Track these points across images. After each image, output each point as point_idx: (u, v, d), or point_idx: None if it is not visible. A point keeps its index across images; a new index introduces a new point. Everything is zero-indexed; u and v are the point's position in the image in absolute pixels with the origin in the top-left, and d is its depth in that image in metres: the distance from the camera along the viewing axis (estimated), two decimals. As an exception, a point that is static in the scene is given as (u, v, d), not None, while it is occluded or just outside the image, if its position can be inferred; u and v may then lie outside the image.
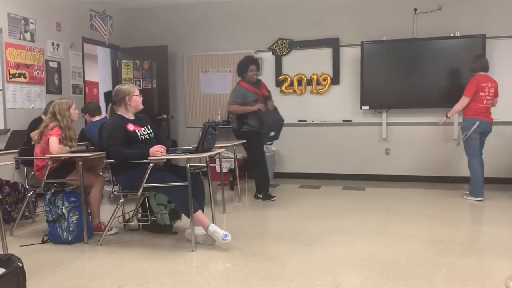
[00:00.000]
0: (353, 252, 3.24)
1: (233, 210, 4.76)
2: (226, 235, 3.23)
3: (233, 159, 5.47)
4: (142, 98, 3.67)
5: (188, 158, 3.38)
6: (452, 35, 5.86)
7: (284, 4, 6.58)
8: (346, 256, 3.17)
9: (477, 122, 4.87)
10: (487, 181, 5.18)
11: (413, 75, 6.05)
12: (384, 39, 6.12)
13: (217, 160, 5.04)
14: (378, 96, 6.22)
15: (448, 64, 5.85)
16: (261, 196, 5.20)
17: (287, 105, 6.68)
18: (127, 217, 3.94)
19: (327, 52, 6.52)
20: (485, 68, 5.00)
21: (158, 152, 3.32)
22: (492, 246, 3.42)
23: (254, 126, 4.98)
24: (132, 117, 3.61)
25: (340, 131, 6.55)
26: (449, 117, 5.14)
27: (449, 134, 6.04)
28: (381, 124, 6.34)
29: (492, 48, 5.74)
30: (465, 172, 5.37)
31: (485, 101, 4.91)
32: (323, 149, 6.61)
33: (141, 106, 3.64)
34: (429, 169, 6.19)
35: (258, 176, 5.28)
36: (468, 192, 5.10)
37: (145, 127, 3.62)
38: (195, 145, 3.69)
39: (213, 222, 3.47)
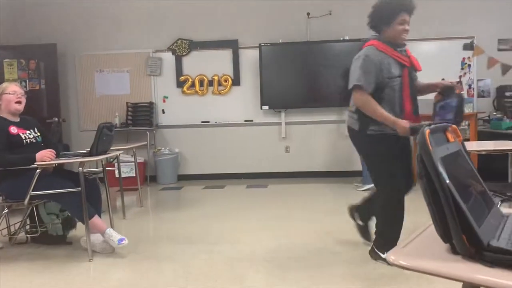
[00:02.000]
0: (257, 248, 3.30)
1: (134, 216, 4.56)
2: (122, 239, 3.08)
3: (133, 163, 5.25)
4: (20, 97, 3.29)
5: (81, 162, 3.15)
6: (341, 38, 6.27)
7: (184, 4, 6.50)
8: (250, 252, 3.21)
9: None
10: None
11: (308, 76, 6.35)
12: (280, 41, 6.34)
13: (116, 164, 4.79)
14: (277, 96, 6.42)
15: (338, 66, 6.21)
16: (383, 256, 2.73)
17: (189, 106, 6.64)
18: (13, 229, 3.57)
19: (227, 53, 6.57)
20: None
21: (46, 156, 3.05)
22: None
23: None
24: (16, 119, 3.28)
25: (242, 131, 6.65)
26: None
27: (342, 131, 6.44)
28: (280, 123, 6.56)
29: (377, 52, 6.24)
30: (358, 166, 5.81)
31: None
32: (227, 149, 6.65)
33: (16, 107, 3.26)
34: (326, 165, 6.56)
35: (386, 216, 2.82)
36: (360, 184, 5.53)
37: (31, 130, 3.31)
38: (90, 148, 3.46)
39: (112, 228, 3.28)
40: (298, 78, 6.38)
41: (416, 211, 2.61)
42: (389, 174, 2.71)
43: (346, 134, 5.96)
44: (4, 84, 3.29)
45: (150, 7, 6.55)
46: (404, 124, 2.50)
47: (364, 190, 5.45)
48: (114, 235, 3.10)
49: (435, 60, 6.13)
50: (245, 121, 6.63)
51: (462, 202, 0.80)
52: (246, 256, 3.12)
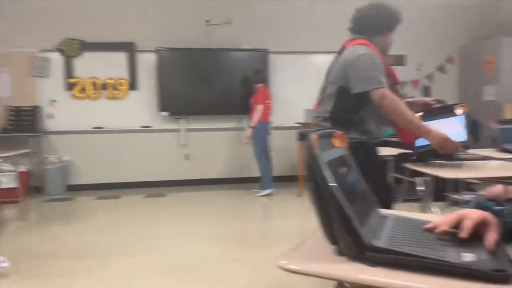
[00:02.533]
0: (154, 259, 3.17)
1: (14, 231, 4.11)
2: (1, 262, 2.75)
3: (15, 173, 4.75)
4: None
5: None
6: (240, 47, 6.38)
7: (75, 2, 6.07)
8: (146, 264, 3.07)
9: (269, 125, 5.66)
10: (274, 179, 5.80)
11: (208, 83, 6.34)
12: (179, 47, 6.24)
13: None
14: (176, 102, 6.30)
15: (238, 74, 6.33)
16: None
17: (80, 111, 6.21)
18: None
19: (123, 56, 6.29)
20: (265, 80, 5.88)
21: None
22: (281, 236, 3.81)
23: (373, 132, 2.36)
24: None
25: (139, 137, 6.39)
26: (253, 126, 5.56)
27: (241, 138, 6.52)
28: (179, 130, 6.45)
29: (274, 62, 6.47)
30: (257, 172, 5.93)
31: (270, 107, 5.62)
32: (123, 157, 6.34)
33: None
34: (226, 172, 6.58)
35: None
36: (258, 190, 5.65)
37: None
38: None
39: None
40: (198, 85, 6.33)
41: (306, 214, 2.70)
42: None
43: (245, 140, 6.12)
44: None
45: (36, 2, 6.01)
46: (440, 136, 2.09)
47: (262, 195, 5.57)
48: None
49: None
50: (142, 127, 6.39)
51: (346, 204, 0.83)
52: (141, 269, 2.98)
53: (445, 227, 0.90)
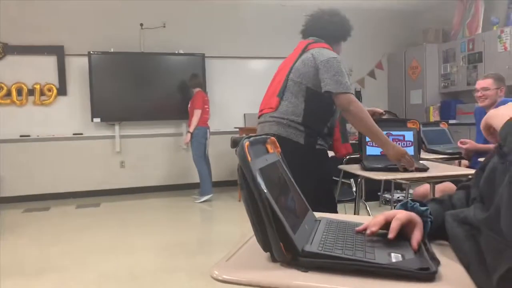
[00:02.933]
0: (86, 273, 3.01)
1: None
2: None
3: None
4: None
5: None
6: (176, 52, 6.28)
7: (-6, 1, 5.68)
8: (78, 278, 2.91)
9: (208, 130, 5.58)
10: (213, 184, 5.76)
11: (143, 88, 6.16)
12: (112, 50, 6.03)
13: None
14: (110, 108, 6.06)
15: (175, 79, 6.23)
16: None
17: (4, 118, 5.80)
18: None
19: (51, 60, 5.96)
20: (202, 84, 5.82)
21: None
22: (221, 242, 3.78)
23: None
24: None
25: (70, 145, 6.07)
26: (192, 132, 5.46)
27: (179, 144, 6.42)
28: (114, 137, 6.21)
29: (210, 66, 6.44)
30: (195, 179, 5.86)
31: (208, 112, 5.58)
32: (52, 166, 5.99)
33: None
34: (164, 178, 6.43)
35: None
36: (198, 196, 5.58)
37: None
38: None
39: None
40: (132, 90, 6.14)
41: (246, 219, 2.69)
42: (332, 198, 2.33)
43: (183, 146, 6.03)
44: None
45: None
46: (399, 150, 2.11)
47: (201, 202, 5.50)
48: None
49: (262, 76, 6.59)
50: (74, 134, 6.08)
51: (279, 210, 0.83)
52: (73, 284, 2.81)
53: (374, 228, 0.93)
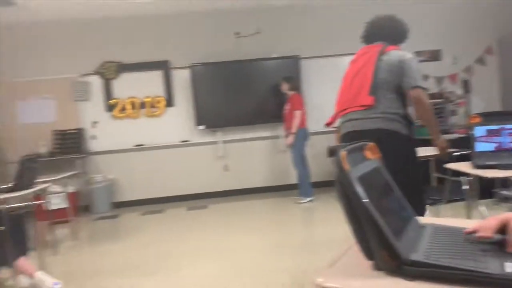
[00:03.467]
0: (197, 272, 3.23)
1: (67, 250, 4.30)
2: (56, 283, 2.88)
3: (64, 194, 4.96)
4: None
5: (2, 199, 2.93)
6: (271, 56, 6.42)
7: (109, 26, 6.34)
8: (190, 277, 3.13)
9: (307, 131, 5.63)
10: (312, 185, 5.77)
11: (241, 94, 6.41)
12: (211, 61, 6.36)
13: (44, 197, 4.50)
14: (212, 115, 6.41)
15: (271, 83, 6.37)
16: None
17: (121, 130, 6.44)
18: None
19: (159, 74, 6.48)
20: (297, 87, 5.93)
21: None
22: (323, 244, 3.79)
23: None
24: None
25: (179, 152, 6.54)
26: (295, 133, 5.52)
27: (280, 146, 6.54)
28: (217, 142, 6.55)
29: (306, 67, 6.46)
30: (293, 179, 5.93)
31: (306, 113, 5.70)
32: (164, 172, 6.50)
33: None
34: (265, 180, 6.61)
35: None
36: (299, 197, 5.64)
37: None
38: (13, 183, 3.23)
39: (43, 268, 3.07)
40: (231, 97, 6.42)
41: (345, 222, 2.65)
42: (423, 189, 2.52)
43: (282, 148, 6.13)
44: None
45: (73, 30, 6.31)
46: (445, 142, 2.49)
47: (305, 202, 5.53)
48: (46, 280, 2.88)
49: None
50: (181, 142, 6.53)
51: (380, 219, 0.83)
52: (187, 284, 3.04)
53: (484, 234, 0.88)
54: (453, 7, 6.53)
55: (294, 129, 5.51)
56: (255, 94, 6.40)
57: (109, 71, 6.41)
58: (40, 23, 6.20)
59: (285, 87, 5.73)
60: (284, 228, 4.49)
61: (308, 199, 5.58)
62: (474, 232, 0.90)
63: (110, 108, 6.42)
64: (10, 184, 3.40)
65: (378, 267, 0.85)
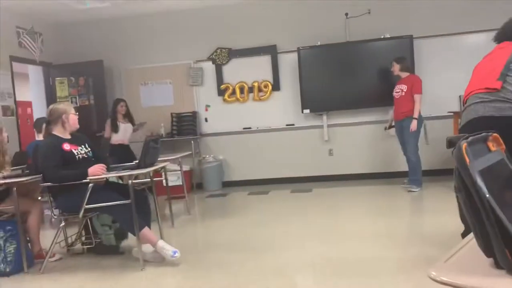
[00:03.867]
0: (304, 254, 3.30)
1: (182, 224, 4.69)
2: (175, 252, 3.17)
3: (180, 172, 5.38)
4: (78, 116, 3.54)
5: (130, 175, 3.29)
6: (382, 37, 6.14)
7: (220, 13, 6.62)
8: (297, 258, 3.22)
9: (422, 117, 5.32)
10: (425, 173, 5.48)
11: (348, 77, 6.27)
12: (319, 44, 6.30)
13: (163, 174, 4.94)
14: (317, 99, 6.38)
15: (380, 65, 6.11)
16: None
17: (231, 114, 6.74)
18: (70, 241, 3.77)
19: (266, 59, 6.62)
20: (410, 68, 5.61)
21: (97, 171, 3.21)
22: (432, 235, 3.61)
23: None
24: (68, 136, 3.47)
25: (284, 135, 6.66)
26: (417, 118, 5.20)
27: (384, 132, 6.26)
28: (322, 126, 6.52)
29: (420, 47, 6.08)
30: (401, 167, 5.68)
31: None
32: (269, 154, 6.68)
33: (78, 125, 3.51)
34: (370, 166, 6.43)
35: None
36: (409, 185, 5.36)
37: (83, 146, 3.48)
38: (138, 161, 3.61)
39: (162, 238, 3.40)
40: (338, 80, 6.32)
41: (457, 214, 2.49)
42: None
43: (392, 134, 5.86)
44: (64, 106, 3.51)
45: (188, 18, 6.71)
46: None
47: (417, 191, 5.25)
48: (167, 248, 3.20)
49: (480, 53, 5.86)
50: (287, 125, 6.63)
51: (503, 215, 0.78)
52: (293, 263, 3.13)
53: None
54: None
55: (416, 113, 5.16)
56: (363, 77, 6.21)
57: (221, 57, 6.71)
58: (161, 15, 6.70)
59: (396, 68, 5.45)
60: (392, 216, 4.35)
61: (418, 189, 5.29)
62: None
63: (221, 92, 6.74)
64: (135, 162, 3.80)
65: (498, 265, 0.81)
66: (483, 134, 0.97)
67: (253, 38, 6.59)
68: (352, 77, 6.25)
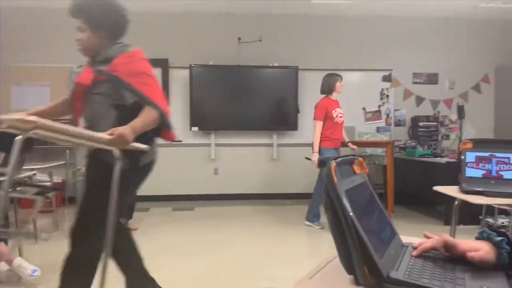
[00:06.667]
0: (181, 272, 3.20)
1: (48, 240, 4.24)
2: (34, 271, 2.84)
3: (50, 183, 4.91)
4: None
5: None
6: (271, 64, 6.44)
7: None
8: (173, 276, 3.11)
9: None
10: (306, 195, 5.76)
11: (238, 99, 6.42)
12: (211, 63, 6.36)
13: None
14: (206, 118, 6.40)
15: (268, 91, 6.39)
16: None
17: (114, 125, 6.38)
18: None
19: (157, 72, 6.46)
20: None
21: None
22: (311, 254, 3.78)
23: None
24: None
25: (170, 152, 6.51)
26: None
27: (270, 155, 6.55)
28: (210, 145, 6.53)
29: (304, 79, 6.49)
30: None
31: None
32: (153, 170, 6.44)
33: None
34: (254, 187, 6.60)
35: None
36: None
37: None
38: None
39: (21, 256, 3.03)
40: (228, 101, 6.42)
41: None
42: None
43: (274, 157, 6.10)
44: None
45: (73, 20, 6.27)
46: None
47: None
48: (24, 266, 2.85)
49: (357, 89, 6.49)
50: (174, 142, 6.49)
51: (364, 234, 0.83)
52: (168, 282, 3.01)
53: (415, 253, 0.95)
54: (454, 32, 6.61)
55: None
56: (252, 101, 6.41)
57: (108, 65, 6.37)
58: (44, 9, 6.17)
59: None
60: (272, 236, 4.47)
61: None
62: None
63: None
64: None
65: (357, 282, 0.85)
66: (350, 157, 1.04)
67: (144, 49, 6.37)
68: (241, 100, 6.41)
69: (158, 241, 4.22)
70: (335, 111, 4.68)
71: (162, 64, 6.44)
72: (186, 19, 6.43)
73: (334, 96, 4.80)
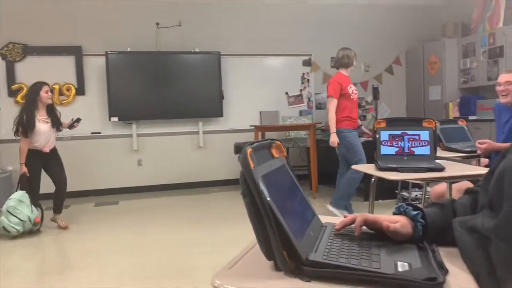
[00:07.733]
0: (109, 269, 3.06)
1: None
2: None
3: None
4: None
5: None
6: (192, 50, 6.30)
7: (16, 4, 5.78)
8: (101, 275, 2.96)
9: None
10: (224, 182, 5.77)
11: (159, 87, 6.20)
12: (129, 50, 6.08)
13: None
14: (126, 107, 6.12)
15: (190, 77, 6.25)
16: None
17: (23, 118, 5.90)
18: None
19: (69, 60, 6.04)
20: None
21: None
22: (230, 242, 3.79)
23: None
24: None
25: (89, 144, 6.17)
26: None
27: (196, 143, 6.45)
28: (131, 135, 6.28)
29: (226, 64, 6.44)
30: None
31: None
32: (72, 164, 6.03)
33: None
34: (180, 177, 6.47)
35: None
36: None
37: None
38: None
39: None
40: (149, 89, 6.19)
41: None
42: None
43: (200, 145, 6.02)
44: None
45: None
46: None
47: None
48: None
49: (279, 74, 6.58)
50: (92, 133, 6.16)
51: (282, 218, 0.81)
52: (95, 281, 2.86)
53: (337, 227, 0.99)
54: (368, 18, 6.92)
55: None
56: (174, 88, 6.23)
57: (13, 53, 5.85)
58: None
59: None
60: (198, 225, 4.42)
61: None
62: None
63: (13, 93, 5.87)
64: None
65: (277, 268, 0.84)
66: (267, 141, 1.02)
67: (54, 36, 5.95)
68: (163, 87, 6.21)
69: (82, 240, 4.00)
70: (350, 87, 4.29)
71: (75, 51, 6.03)
72: (99, 3, 6.06)
73: (348, 71, 4.40)
